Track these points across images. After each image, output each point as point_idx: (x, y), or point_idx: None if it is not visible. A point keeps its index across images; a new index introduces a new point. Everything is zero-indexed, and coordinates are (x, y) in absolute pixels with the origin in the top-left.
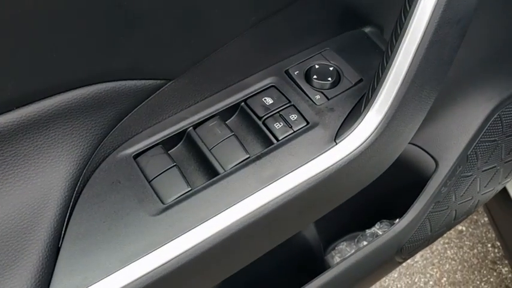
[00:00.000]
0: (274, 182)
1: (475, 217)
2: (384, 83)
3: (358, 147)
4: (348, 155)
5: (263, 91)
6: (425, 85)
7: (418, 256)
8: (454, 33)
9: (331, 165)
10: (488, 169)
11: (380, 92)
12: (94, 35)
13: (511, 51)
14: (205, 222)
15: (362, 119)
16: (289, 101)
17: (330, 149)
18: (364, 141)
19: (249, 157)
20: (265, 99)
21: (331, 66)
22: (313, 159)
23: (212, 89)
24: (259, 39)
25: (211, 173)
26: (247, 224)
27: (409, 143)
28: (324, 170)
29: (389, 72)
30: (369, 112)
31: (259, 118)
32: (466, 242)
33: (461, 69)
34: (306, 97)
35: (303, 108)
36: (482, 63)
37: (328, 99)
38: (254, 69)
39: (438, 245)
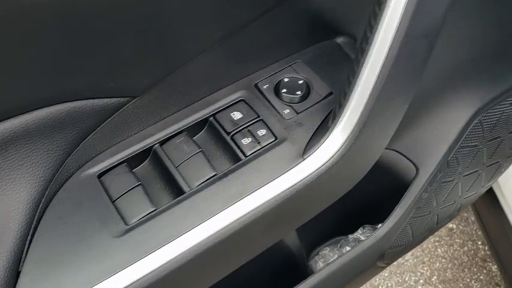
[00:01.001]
0: (241, 200)
1: (466, 214)
2: (351, 98)
3: (325, 163)
4: (316, 170)
5: (232, 105)
6: (393, 99)
7: (408, 255)
8: (421, 47)
9: (299, 181)
10: (469, 174)
11: (346, 108)
12: (52, 55)
13: (492, 55)
14: (169, 243)
15: (328, 135)
16: (258, 116)
17: (297, 164)
18: (332, 157)
19: (215, 174)
20: (233, 114)
21: (300, 80)
22: (281, 175)
23: (179, 104)
24: (228, 53)
25: (176, 191)
26: (213, 244)
27: (390, 149)
28: (292, 186)
29: (355, 88)
30: (335, 129)
31: (228, 133)
32: (457, 240)
33: (441, 74)
34: (275, 111)
35: (271, 123)
36: (462, 67)
37: (297, 113)
38: (223, 84)
39: (428, 243)
